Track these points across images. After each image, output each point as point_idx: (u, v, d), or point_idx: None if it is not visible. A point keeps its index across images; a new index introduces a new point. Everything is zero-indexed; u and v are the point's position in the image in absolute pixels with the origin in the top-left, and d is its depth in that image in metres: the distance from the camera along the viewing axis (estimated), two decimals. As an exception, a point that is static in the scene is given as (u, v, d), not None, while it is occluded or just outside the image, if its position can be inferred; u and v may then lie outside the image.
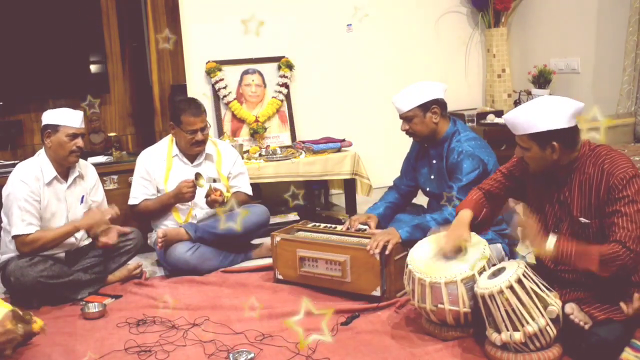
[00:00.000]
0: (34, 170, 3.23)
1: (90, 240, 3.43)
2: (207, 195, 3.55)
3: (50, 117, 3.27)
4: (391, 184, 3.54)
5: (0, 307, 2.56)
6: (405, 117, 3.14)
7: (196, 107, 3.67)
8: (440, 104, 3.13)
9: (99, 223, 3.31)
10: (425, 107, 3.10)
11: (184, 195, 3.58)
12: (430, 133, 3.15)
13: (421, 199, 3.49)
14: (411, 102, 3.11)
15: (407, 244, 2.92)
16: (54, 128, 3.23)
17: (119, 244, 3.41)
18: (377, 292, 2.95)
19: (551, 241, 2.29)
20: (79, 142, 3.26)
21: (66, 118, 3.25)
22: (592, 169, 2.33)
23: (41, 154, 3.30)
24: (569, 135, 2.31)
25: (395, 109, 3.17)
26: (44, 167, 3.25)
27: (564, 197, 2.40)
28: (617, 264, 2.18)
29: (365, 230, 3.25)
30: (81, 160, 3.44)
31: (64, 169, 3.33)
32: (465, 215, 2.60)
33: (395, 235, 2.94)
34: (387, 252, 2.89)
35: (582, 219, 2.35)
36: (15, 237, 3.16)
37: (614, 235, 2.21)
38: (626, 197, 2.21)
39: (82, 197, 3.41)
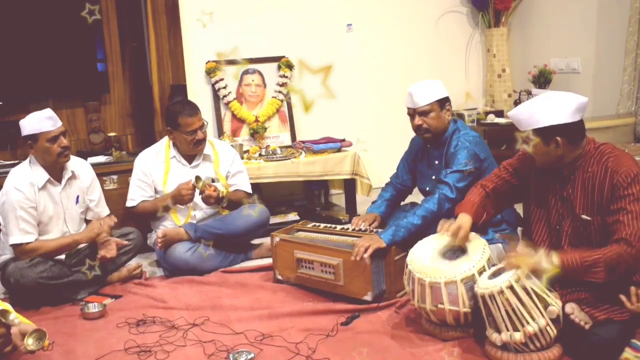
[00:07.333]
0: (27, 176, 3.21)
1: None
2: (201, 192, 3.56)
3: (25, 127, 3.20)
4: (390, 184, 3.55)
5: None
6: (422, 112, 3.12)
7: (190, 107, 3.66)
8: (450, 102, 3.17)
9: (98, 235, 3.30)
10: (442, 102, 3.13)
11: (182, 197, 3.57)
12: (442, 130, 3.16)
13: (416, 198, 3.48)
14: (430, 96, 3.10)
15: (397, 245, 2.92)
16: (33, 138, 3.19)
17: (117, 257, 3.39)
18: (368, 297, 2.92)
19: (556, 257, 2.26)
20: (63, 141, 3.22)
21: (40, 124, 3.17)
22: (595, 166, 2.33)
23: (32, 159, 3.27)
24: (572, 131, 2.31)
25: (411, 102, 3.13)
26: (36, 172, 3.23)
27: (567, 194, 2.41)
28: (623, 266, 2.19)
29: (366, 230, 3.24)
30: (75, 159, 3.43)
31: (57, 171, 3.31)
32: (465, 220, 2.60)
33: (378, 240, 2.90)
34: (365, 256, 2.86)
35: (584, 216, 2.35)
36: (13, 246, 3.16)
37: (618, 233, 2.21)
38: (631, 195, 2.22)
39: (77, 197, 3.40)
